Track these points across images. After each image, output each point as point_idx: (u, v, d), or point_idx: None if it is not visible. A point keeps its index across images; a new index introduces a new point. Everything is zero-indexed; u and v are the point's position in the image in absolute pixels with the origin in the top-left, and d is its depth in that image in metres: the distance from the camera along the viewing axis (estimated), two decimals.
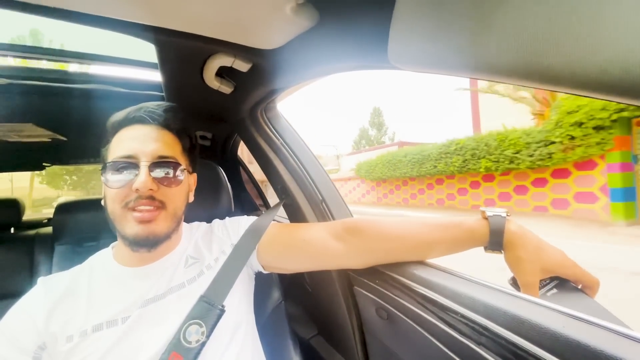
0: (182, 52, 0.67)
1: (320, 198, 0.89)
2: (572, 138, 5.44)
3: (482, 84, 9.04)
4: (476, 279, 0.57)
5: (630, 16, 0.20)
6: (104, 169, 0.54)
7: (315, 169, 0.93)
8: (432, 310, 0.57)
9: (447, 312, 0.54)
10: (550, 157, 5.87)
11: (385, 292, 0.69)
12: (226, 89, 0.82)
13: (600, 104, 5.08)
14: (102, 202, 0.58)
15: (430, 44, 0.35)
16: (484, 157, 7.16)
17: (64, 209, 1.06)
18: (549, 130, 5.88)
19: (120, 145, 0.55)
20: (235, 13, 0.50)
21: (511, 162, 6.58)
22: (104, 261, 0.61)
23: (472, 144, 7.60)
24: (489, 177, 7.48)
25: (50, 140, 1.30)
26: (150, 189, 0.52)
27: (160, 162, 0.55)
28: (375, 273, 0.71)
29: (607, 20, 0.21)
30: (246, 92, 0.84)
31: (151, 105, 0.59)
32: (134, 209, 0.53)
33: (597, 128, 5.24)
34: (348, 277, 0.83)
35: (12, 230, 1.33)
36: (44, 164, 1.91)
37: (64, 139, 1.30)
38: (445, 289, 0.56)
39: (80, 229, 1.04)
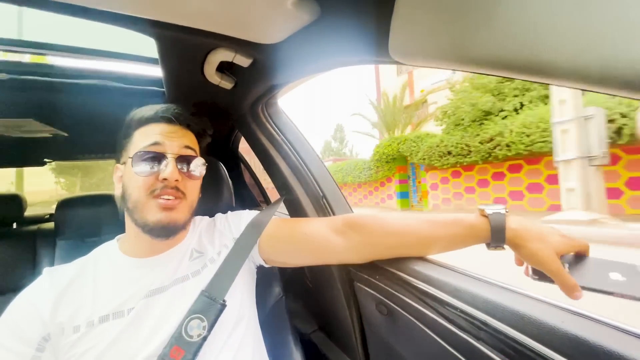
0: (182, 47, 0.67)
1: (321, 194, 0.89)
2: (378, 167, 10.86)
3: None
4: (476, 274, 0.57)
5: (632, 10, 0.20)
6: (130, 158, 0.57)
7: (316, 164, 0.93)
8: (432, 305, 0.57)
9: (446, 308, 0.54)
10: (371, 176, 11.45)
11: (386, 287, 0.69)
12: (227, 84, 0.82)
13: (382, 152, 10.34)
14: (118, 193, 0.60)
15: (431, 38, 0.35)
16: (349, 175, 12.76)
17: (65, 205, 1.06)
18: (369, 162, 11.37)
19: (147, 137, 0.58)
20: (236, 7, 0.50)
21: (359, 178, 12.15)
22: (110, 252, 0.62)
23: (344, 166, 13.36)
24: (359, 186, 12.86)
25: (51, 135, 1.30)
26: (176, 180, 0.56)
27: (184, 156, 0.59)
28: (376, 269, 0.71)
29: (609, 15, 0.21)
30: (247, 87, 0.84)
31: (177, 107, 0.63)
32: (158, 197, 0.56)
33: (388, 162, 10.49)
34: (348, 273, 0.83)
35: (14, 225, 1.34)
36: (45, 159, 1.91)
37: (65, 134, 1.30)
38: (445, 284, 0.56)
39: (81, 224, 1.05)
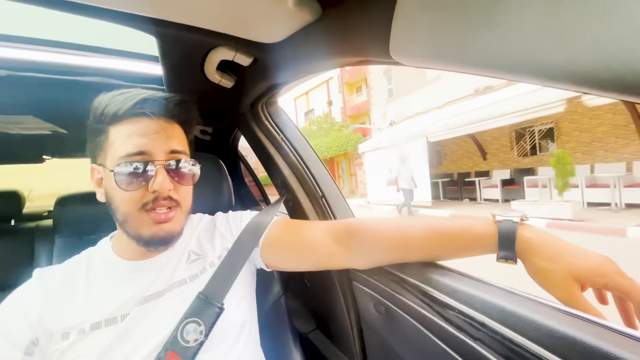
0: (183, 45, 0.67)
1: (320, 194, 0.89)
2: None
3: None
4: (474, 275, 0.57)
5: (633, 13, 0.20)
6: (112, 171, 0.49)
7: (316, 164, 0.93)
8: (430, 305, 0.57)
9: (444, 308, 0.54)
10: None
11: (384, 287, 0.69)
12: (227, 83, 0.81)
13: None
14: (102, 199, 0.55)
15: (431, 39, 0.35)
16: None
17: (64, 202, 1.06)
18: None
19: (128, 140, 0.50)
20: (237, 6, 0.50)
21: None
22: (103, 253, 0.59)
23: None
24: None
25: (50, 132, 1.29)
26: (169, 189, 0.51)
27: (174, 160, 0.52)
28: (374, 269, 0.71)
29: (610, 17, 0.21)
30: (247, 86, 0.84)
31: (157, 95, 0.53)
32: (151, 210, 0.51)
33: None
34: (347, 273, 0.84)
35: (12, 222, 1.34)
36: (44, 156, 1.91)
37: (64, 131, 1.30)
38: (443, 285, 0.56)
39: (80, 221, 1.04)
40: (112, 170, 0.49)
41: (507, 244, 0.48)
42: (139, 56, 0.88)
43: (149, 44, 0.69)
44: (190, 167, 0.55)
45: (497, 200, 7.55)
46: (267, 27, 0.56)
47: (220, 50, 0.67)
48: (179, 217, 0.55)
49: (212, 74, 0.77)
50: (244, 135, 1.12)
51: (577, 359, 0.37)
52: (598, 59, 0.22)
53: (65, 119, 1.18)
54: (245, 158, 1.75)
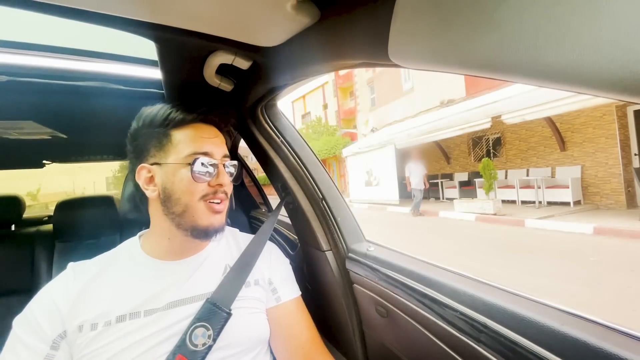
0: (182, 50, 0.67)
1: (321, 196, 0.89)
2: None
3: None
4: (475, 276, 0.57)
5: (631, 13, 0.20)
6: (187, 164, 0.56)
7: (316, 167, 0.93)
8: (431, 307, 0.57)
9: (446, 309, 0.54)
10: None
11: (385, 289, 0.69)
12: (226, 86, 0.82)
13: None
14: (152, 195, 0.58)
15: (430, 41, 0.35)
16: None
17: (64, 207, 1.06)
18: None
19: (195, 142, 0.58)
20: (236, 10, 0.50)
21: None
22: (132, 251, 0.61)
23: None
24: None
25: (50, 137, 1.30)
26: (226, 184, 0.59)
27: (227, 160, 0.62)
28: (375, 271, 0.71)
29: (608, 18, 0.21)
30: (246, 89, 0.84)
31: (212, 109, 0.63)
32: (209, 201, 0.58)
33: None
34: (347, 275, 0.83)
35: (12, 227, 1.34)
36: (44, 161, 1.91)
37: (64, 136, 1.30)
38: (445, 286, 0.56)
39: (80, 226, 1.04)
40: (189, 164, 0.56)
41: None
42: (139, 61, 0.89)
43: (148, 48, 0.69)
44: (236, 167, 0.65)
45: (456, 199, 8.31)
46: (266, 30, 0.56)
47: (219, 54, 0.68)
48: (226, 211, 0.61)
49: (212, 78, 0.78)
50: (243, 139, 1.12)
51: None
52: (597, 60, 0.22)
53: (65, 123, 1.18)
54: (245, 159, 1.75)
